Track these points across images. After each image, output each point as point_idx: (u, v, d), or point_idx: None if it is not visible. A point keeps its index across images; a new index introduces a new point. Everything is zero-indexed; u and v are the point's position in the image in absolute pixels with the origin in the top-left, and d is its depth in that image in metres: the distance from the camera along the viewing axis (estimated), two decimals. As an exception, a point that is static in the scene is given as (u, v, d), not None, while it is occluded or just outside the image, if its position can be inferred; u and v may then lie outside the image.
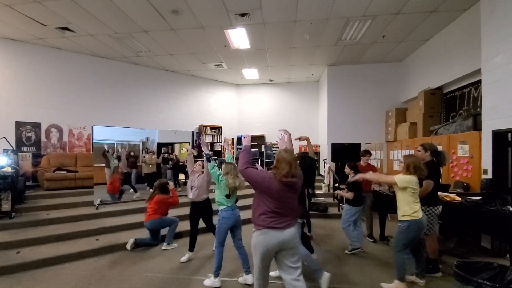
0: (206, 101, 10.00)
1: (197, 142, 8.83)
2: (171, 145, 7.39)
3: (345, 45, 6.70)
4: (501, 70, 3.85)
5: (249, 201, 4.77)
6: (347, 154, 7.95)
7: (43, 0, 4.64)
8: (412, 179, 2.75)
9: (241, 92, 10.85)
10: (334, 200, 6.63)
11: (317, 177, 9.14)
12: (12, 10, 4.97)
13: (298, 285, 2.04)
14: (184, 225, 4.42)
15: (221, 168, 3.21)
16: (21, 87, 6.42)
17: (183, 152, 7.21)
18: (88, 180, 6.09)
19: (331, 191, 6.97)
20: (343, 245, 4.23)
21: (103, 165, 5.82)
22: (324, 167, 8.24)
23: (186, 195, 4.39)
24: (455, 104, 5.80)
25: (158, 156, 6.80)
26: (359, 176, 3.36)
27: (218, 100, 10.34)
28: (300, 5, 4.89)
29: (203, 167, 3.85)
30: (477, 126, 4.55)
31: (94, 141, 5.93)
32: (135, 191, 6.30)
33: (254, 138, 10.55)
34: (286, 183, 2.01)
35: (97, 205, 5.34)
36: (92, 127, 6.03)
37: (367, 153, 4.71)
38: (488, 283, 2.12)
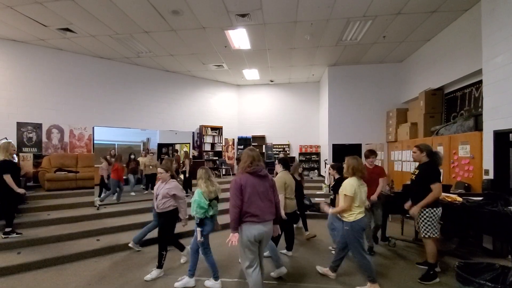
0: (207, 102, 10.01)
1: (197, 143, 8.82)
2: (172, 145, 7.40)
3: (345, 45, 6.70)
4: (502, 70, 3.85)
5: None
6: (347, 155, 7.90)
7: (44, 1, 4.65)
8: (351, 181, 2.88)
9: (241, 92, 10.85)
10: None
11: (318, 178, 9.15)
12: (13, 11, 4.98)
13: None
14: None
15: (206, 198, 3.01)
16: (22, 88, 6.44)
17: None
18: (89, 180, 6.12)
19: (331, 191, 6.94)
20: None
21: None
22: (325, 167, 8.23)
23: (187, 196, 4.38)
24: (456, 104, 5.79)
25: (157, 157, 6.82)
26: (327, 210, 3.21)
27: (219, 101, 10.35)
28: (300, 6, 4.89)
29: (170, 176, 3.47)
30: (478, 126, 4.54)
31: (95, 141, 5.94)
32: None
33: (255, 138, 10.57)
34: (251, 173, 2.33)
35: (98, 205, 5.34)
36: (93, 127, 6.06)
37: (372, 153, 3.98)
38: (490, 284, 2.10)
